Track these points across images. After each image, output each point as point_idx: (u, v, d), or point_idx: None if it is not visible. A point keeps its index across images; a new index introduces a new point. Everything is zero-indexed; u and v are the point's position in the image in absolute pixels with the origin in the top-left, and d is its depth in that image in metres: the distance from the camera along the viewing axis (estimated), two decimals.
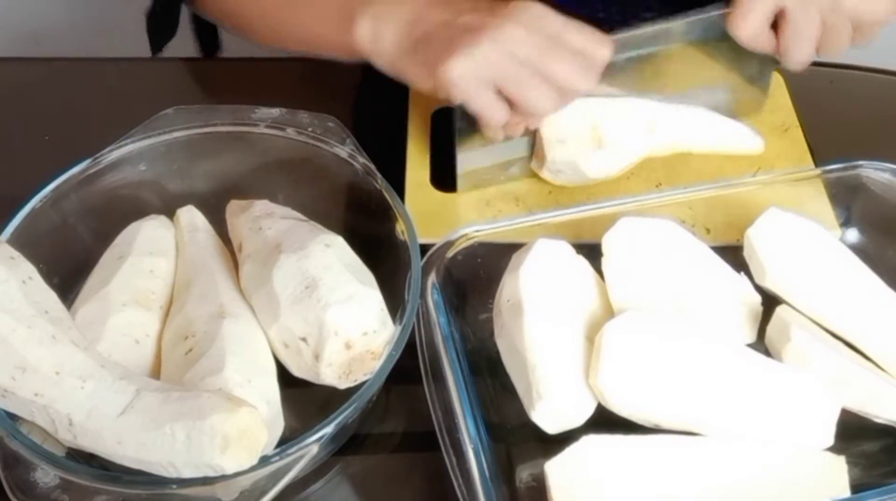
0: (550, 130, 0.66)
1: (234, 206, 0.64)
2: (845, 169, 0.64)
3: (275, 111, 0.64)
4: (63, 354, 0.49)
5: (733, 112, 0.73)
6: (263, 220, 0.60)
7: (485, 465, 0.50)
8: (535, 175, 0.70)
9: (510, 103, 0.58)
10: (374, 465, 0.57)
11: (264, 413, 0.51)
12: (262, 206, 0.62)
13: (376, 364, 0.53)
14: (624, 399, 0.53)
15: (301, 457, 0.48)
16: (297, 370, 0.55)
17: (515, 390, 0.55)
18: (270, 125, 0.64)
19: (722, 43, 0.66)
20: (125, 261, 0.59)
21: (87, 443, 0.48)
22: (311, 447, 0.49)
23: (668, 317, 0.55)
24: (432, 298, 0.57)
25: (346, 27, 0.62)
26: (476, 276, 0.60)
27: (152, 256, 0.60)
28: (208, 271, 0.59)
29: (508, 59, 0.56)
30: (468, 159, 0.67)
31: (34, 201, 0.59)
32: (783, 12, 0.61)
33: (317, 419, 0.49)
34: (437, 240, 0.59)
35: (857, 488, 0.52)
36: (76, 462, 0.49)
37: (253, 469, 0.47)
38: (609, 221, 0.59)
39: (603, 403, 0.54)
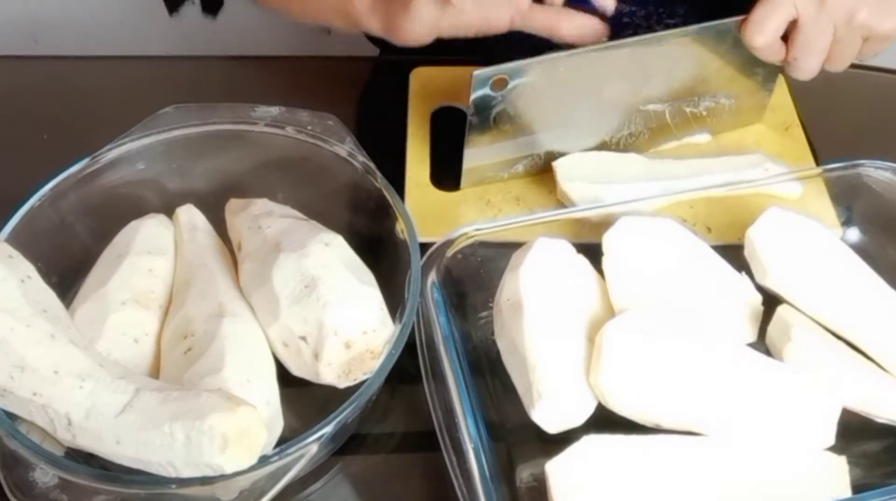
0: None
1: (233, 205, 0.64)
2: (846, 168, 0.64)
3: (274, 110, 0.64)
4: (62, 353, 0.48)
5: (735, 120, 0.73)
6: (263, 219, 0.60)
7: (485, 465, 0.50)
8: (537, 174, 0.70)
9: None
10: (374, 465, 0.57)
11: (264, 413, 0.50)
12: (261, 205, 0.62)
13: (376, 364, 0.53)
14: (624, 399, 0.53)
15: (300, 457, 0.48)
16: (296, 370, 0.55)
17: (516, 389, 0.55)
18: (270, 124, 0.64)
19: (731, 51, 0.66)
20: (124, 260, 0.58)
21: (86, 443, 0.48)
22: (311, 446, 0.48)
23: (669, 317, 0.55)
24: (432, 297, 0.57)
25: None
26: (476, 275, 0.60)
27: (151, 255, 0.59)
28: (207, 271, 0.59)
29: None
30: (475, 155, 0.67)
31: (33, 200, 0.59)
32: (795, 22, 0.61)
33: (316, 418, 0.49)
34: (436, 239, 0.59)
35: (858, 488, 0.52)
36: (75, 461, 0.49)
37: (252, 468, 0.47)
38: (610, 220, 0.59)
39: (603, 402, 0.54)
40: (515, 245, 0.59)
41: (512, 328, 0.56)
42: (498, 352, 0.57)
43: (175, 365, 0.53)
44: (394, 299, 0.55)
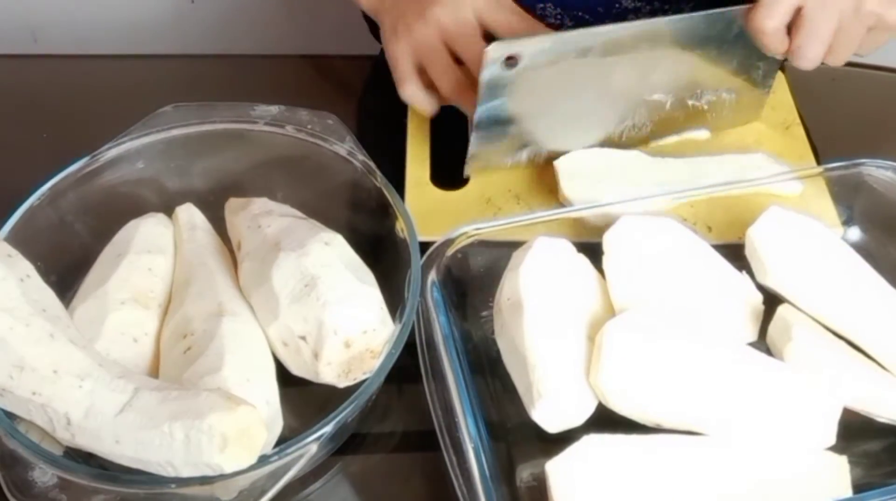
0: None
1: (232, 204, 0.63)
2: (847, 167, 0.64)
3: (274, 109, 0.64)
4: (61, 352, 0.48)
5: (735, 117, 0.73)
6: (262, 218, 0.60)
7: (485, 464, 0.50)
8: (539, 166, 0.69)
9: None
10: (374, 464, 0.57)
11: (263, 412, 0.50)
12: (261, 204, 0.62)
13: (376, 363, 0.53)
14: (624, 399, 0.53)
15: (300, 457, 0.48)
16: (296, 369, 0.55)
17: (516, 389, 0.55)
18: (269, 123, 0.63)
19: (734, 42, 0.65)
20: (123, 259, 0.58)
21: (85, 442, 0.48)
22: (311, 446, 0.48)
23: (669, 316, 0.55)
24: (432, 296, 0.57)
25: None
26: (476, 274, 0.60)
27: (151, 254, 0.59)
28: (207, 270, 0.59)
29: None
30: (481, 139, 0.66)
31: (32, 199, 0.59)
32: (800, 11, 0.61)
33: (316, 418, 0.49)
34: (436, 238, 0.59)
35: (859, 488, 0.52)
36: (74, 461, 0.49)
37: (252, 468, 0.47)
38: (610, 219, 0.59)
39: (603, 402, 0.53)
40: (516, 244, 0.59)
41: (512, 327, 0.55)
42: (498, 351, 0.57)
43: (174, 365, 0.53)
44: (394, 299, 0.55)
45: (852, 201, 0.65)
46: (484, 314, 0.60)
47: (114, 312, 0.55)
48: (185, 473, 0.46)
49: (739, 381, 0.53)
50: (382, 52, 0.92)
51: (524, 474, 0.54)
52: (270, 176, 0.65)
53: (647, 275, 0.57)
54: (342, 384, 0.54)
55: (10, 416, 0.49)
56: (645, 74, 0.67)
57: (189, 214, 0.63)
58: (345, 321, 0.52)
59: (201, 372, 0.51)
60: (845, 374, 0.55)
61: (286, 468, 0.48)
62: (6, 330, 0.48)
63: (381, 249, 0.59)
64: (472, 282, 0.60)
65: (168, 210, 0.64)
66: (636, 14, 0.82)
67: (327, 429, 0.49)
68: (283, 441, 0.49)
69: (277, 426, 0.52)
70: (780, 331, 0.56)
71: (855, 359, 0.56)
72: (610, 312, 0.57)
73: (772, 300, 0.59)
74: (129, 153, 0.63)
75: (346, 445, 0.56)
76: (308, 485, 0.55)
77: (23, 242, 0.55)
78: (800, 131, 0.74)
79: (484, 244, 0.60)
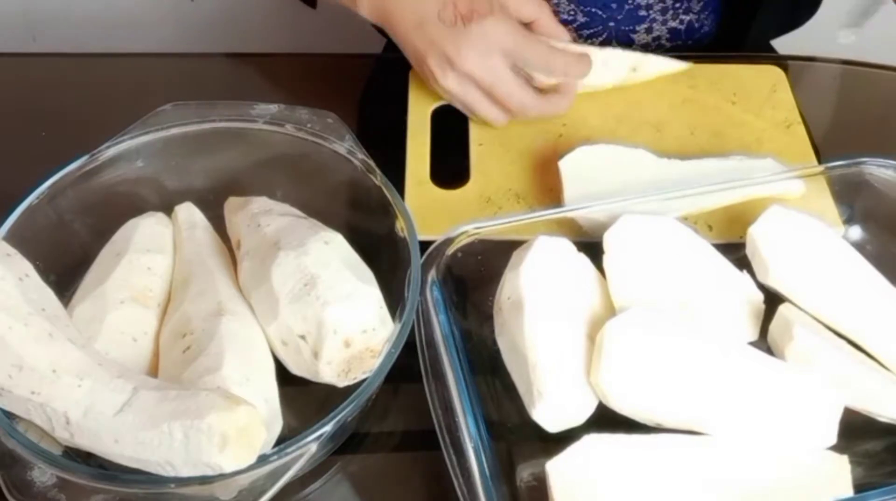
0: None
1: (232, 203, 0.63)
2: (849, 166, 0.64)
3: (273, 107, 0.64)
4: (60, 352, 0.48)
5: None
6: (262, 217, 0.60)
7: (485, 464, 0.50)
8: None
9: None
10: (374, 464, 0.57)
11: (263, 412, 0.50)
12: (260, 203, 0.62)
13: (375, 362, 0.53)
14: (625, 398, 0.52)
15: (300, 456, 0.48)
16: (295, 369, 0.55)
17: (516, 388, 0.55)
18: (269, 121, 0.63)
19: None
20: (122, 258, 0.58)
21: (85, 442, 0.48)
22: (310, 445, 0.48)
23: (670, 315, 0.55)
24: (432, 295, 0.56)
25: None
26: (476, 273, 0.60)
27: (150, 253, 0.59)
28: (206, 269, 0.58)
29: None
30: None
31: (31, 198, 0.59)
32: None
33: (316, 417, 0.49)
34: (436, 237, 0.59)
35: (860, 487, 0.52)
36: (73, 460, 0.49)
37: (251, 467, 0.47)
38: (610, 218, 0.59)
39: (604, 401, 0.53)
40: (516, 243, 0.59)
41: (512, 326, 0.55)
42: (498, 351, 0.57)
43: (174, 364, 0.53)
44: (393, 298, 0.55)
45: (853, 199, 0.65)
46: (484, 313, 0.60)
47: (113, 311, 0.55)
48: (185, 473, 0.46)
49: (740, 380, 0.53)
50: (383, 51, 0.92)
51: (524, 474, 0.54)
52: (270, 175, 0.64)
53: (648, 274, 0.57)
54: (342, 383, 0.53)
55: (9, 415, 0.49)
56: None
57: (188, 213, 0.63)
58: (344, 321, 0.52)
59: (201, 372, 0.51)
60: (846, 373, 0.55)
61: (286, 467, 0.48)
62: (5, 329, 0.48)
63: (380, 248, 0.59)
64: (473, 281, 0.60)
65: (167, 209, 0.63)
66: (648, 10, 0.82)
67: (327, 429, 0.48)
68: (283, 440, 0.49)
69: (277, 425, 0.52)
70: (781, 330, 0.56)
71: (856, 358, 0.56)
72: (610, 311, 0.57)
73: (773, 300, 0.59)
74: (128, 152, 0.62)
75: (346, 445, 0.56)
76: (308, 485, 0.55)
77: (22, 241, 0.55)
78: (801, 130, 0.74)
79: (484, 243, 0.60)
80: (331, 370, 0.53)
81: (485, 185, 0.69)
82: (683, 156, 0.70)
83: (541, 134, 0.73)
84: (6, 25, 1.39)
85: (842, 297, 0.57)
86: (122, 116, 0.63)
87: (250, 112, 0.64)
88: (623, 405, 0.53)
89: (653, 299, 0.57)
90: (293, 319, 0.53)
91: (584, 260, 0.59)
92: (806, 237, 0.59)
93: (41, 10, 1.40)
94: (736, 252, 0.60)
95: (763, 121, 0.75)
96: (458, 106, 0.72)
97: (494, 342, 0.57)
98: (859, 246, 0.61)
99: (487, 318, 0.59)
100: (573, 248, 0.59)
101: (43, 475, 0.47)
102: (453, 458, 0.50)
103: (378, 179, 0.60)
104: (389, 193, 0.59)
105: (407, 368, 0.53)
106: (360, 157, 0.61)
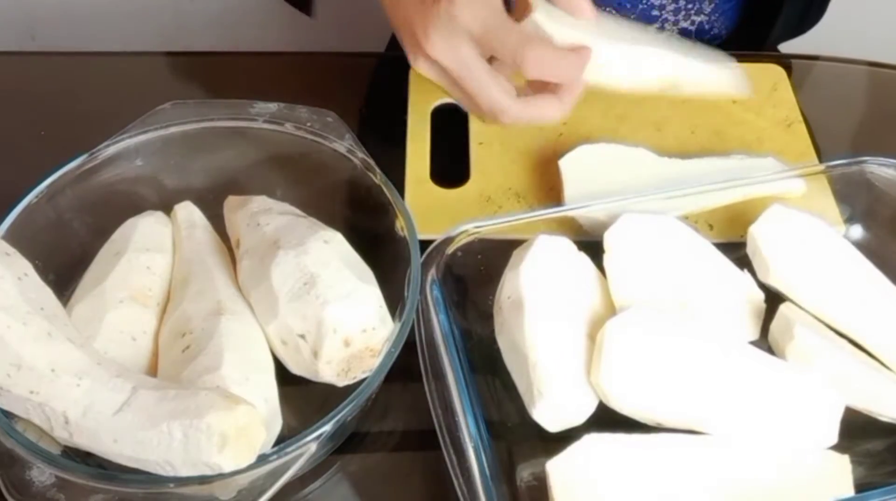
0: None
1: (231, 202, 0.63)
2: (850, 165, 0.64)
3: (273, 106, 0.64)
4: (59, 351, 0.48)
5: None
6: (261, 216, 0.60)
7: (485, 464, 0.50)
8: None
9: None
10: (374, 464, 0.56)
11: (262, 411, 0.50)
12: (259, 202, 0.62)
13: (375, 362, 0.52)
14: (625, 397, 0.52)
15: (299, 456, 0.48)
16: (295, 368, 0.55)
17: (516, 388, 0.55)
18: (268, 120, 0.63)
19: None
20: (122, 257, 0.58)
21: (84, 441, 0.48)
22: (310, 445, 0.48)
23: (671, 315, 0.55)
24: (432, 295, 0.56)
25: None
26: (476, 272, 0.60)
27: (149, 252, 0.59)
28: (206, 268, 0.58)
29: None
30: None
31: (30, 197, 0.58)
32: None
33: (315, 417, 0.49)
34: (436, 236, 0.59)
35: (861, 487, 0.51)
36: (72, 460, 0.49)
37: (251, 467, 0.47)
38: (611, 217, 0.59)
39: (604, 401, 0.53)
40: (516, 243, 0.59)
41: (512, 326, 0.55)
42: (498, 350, 0.57)
43: (173, 363, 0.53)
44: (393, 297, 0.55)
45: (855, 198, 0.64)
46: (484, 312, 0.60)
47: (112, 310, 0.55)
48: (184, 472, 0.46)
49: (741, 380, 0.53)
50: (383, 49, 0.92)
51: (524, 473, 0.54)
52: (269, 174, 0.64)
53: (649, 274, 0.57)
54: (342, 382, 0.53)
55: (8, 415, 0.49)
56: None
57: (188, 212, 0.63)
58: (344, 320, 0.52)
59: (200, 371, 0.51)
60: (848, 373, 0.54)
61: (285, 467, 0.48)
62: (4, 329, 0.48)
63: (380, 247, 0.58)
64: (473, 280, 0.60)
65: (167, 208, 0.63)
66: (661, 10, 0.82)
67: (327, 428, 0.48)
68: (283, 439, 0.49)
69: (276, 425, 0.52)
70: (782, 330, 0.56)
71: (857, 358, 0.56)
72: (611, 310, 0.57)
73: (773, 299, 0.59)
74: (127, 151, 0.62)
75: (346, 444, 0.56)
76: (307, 484, 0.54)
77: (20, 240, 0.55)
78: (802, 129, 0.74)
79: (484, 243, 0.60)
80: (330, 370, 0.53)
81: (485, 184, 0.69)
82: (684, 155, 0.69)
83: (541, 133, 0.73)
84: (6, 24, 1.39)
85: (843, 296, 0.57)
86: (121, 115, 0.63)
87: (250, 111, 0.64)
88: (623, 405, 0.53)
89: (653, 298, 0.57)
90: (293, 318, 0.53)
91: (584, 259, 0.59)
92: (807, 236, 0.59)
93: (40, 9, 1.40)
94: (737, 251, 0.60)
95: (764, 120, 0.74)
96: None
97: (494, 342, 0.57)
98: (860, 245, 0.61)
99: (487, 317, 0.59)
100: (573, 247, 0.59)
101: (42, 474, 0.47)
102: (453, 458, 0.50)
103: (378, 178, 0.60)
104: (389, 192, 0.59)
105: (407, 367, 0.53)
106: (359, 156, 0.61)
